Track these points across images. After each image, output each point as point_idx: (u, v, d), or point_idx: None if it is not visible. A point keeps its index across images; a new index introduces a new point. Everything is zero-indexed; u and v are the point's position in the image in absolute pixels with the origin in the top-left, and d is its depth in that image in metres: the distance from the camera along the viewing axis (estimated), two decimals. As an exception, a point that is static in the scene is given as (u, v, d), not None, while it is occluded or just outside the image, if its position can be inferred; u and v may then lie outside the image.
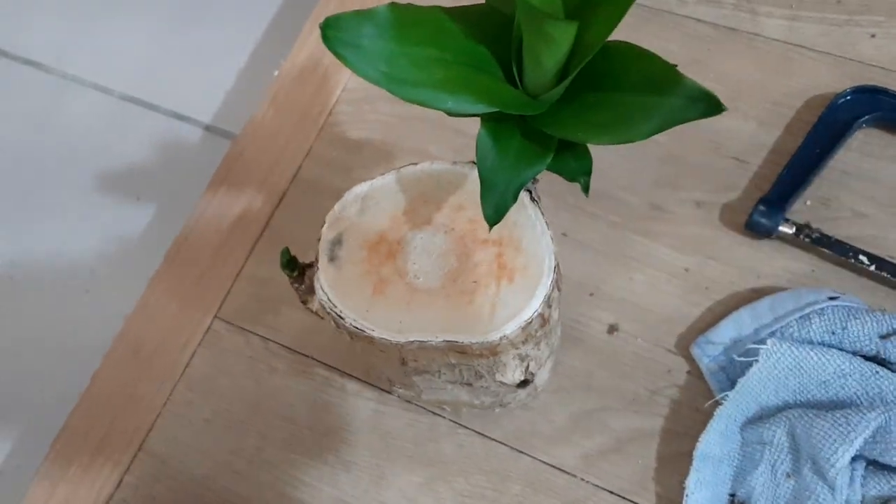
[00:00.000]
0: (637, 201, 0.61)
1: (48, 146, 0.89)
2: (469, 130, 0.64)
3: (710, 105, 0.33)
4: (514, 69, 0.38)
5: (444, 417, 0.57)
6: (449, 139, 0.65)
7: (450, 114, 0.37)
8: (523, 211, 0.44)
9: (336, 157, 0.67)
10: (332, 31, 0.33)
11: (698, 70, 0.63)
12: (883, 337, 0.51)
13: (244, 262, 0.65)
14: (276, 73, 0.71)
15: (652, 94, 0.35)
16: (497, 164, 0.38)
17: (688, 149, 0.61)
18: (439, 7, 0.37)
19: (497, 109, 0.37)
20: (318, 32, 0.71)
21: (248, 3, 0.91)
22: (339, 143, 0.67)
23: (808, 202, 0.58)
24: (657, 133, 0.35)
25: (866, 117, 0.58)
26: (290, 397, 0.60)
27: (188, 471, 0.59)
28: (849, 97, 0.59)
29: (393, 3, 0.34)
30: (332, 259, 0.44)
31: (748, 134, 0.61)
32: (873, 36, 0.63)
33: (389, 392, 0.58)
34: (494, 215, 0.38)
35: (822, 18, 0.64)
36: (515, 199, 0.38)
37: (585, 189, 0.40)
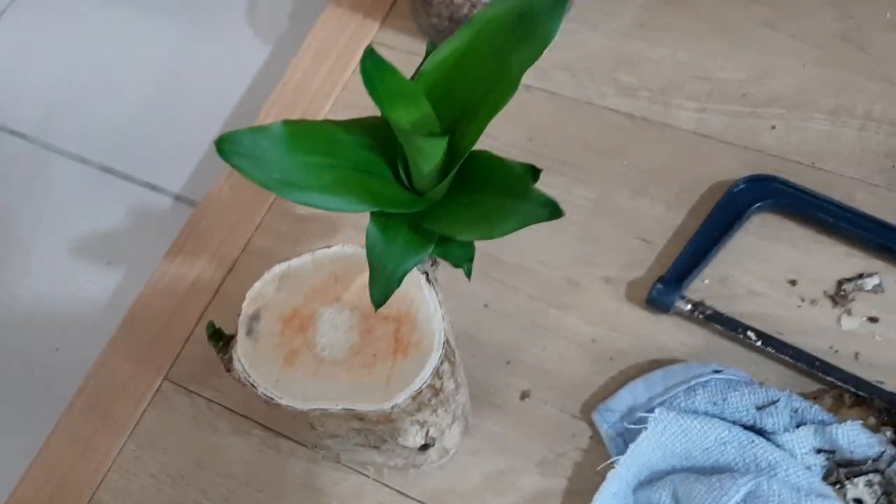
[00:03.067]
0: (553, 276, 0.66)
1: (26, 211, 0.95)
2: (405, 208, 0.70)
3: (553, 211, 0.38)
4: (402, 172, 0.44)
5: (368, 477, 0.62)
6: (388, 215, 0.71)
7: (334, 212, 0.42)
8: (420, 292, 0.49)
9: (285, 230, 0.73)
10: (228, 145, 0.39)
11: (615, 156, 0.69)
12: (759, 408, 0.56)
13: (194, 326, 0.70)
14: (233, 151, 0.77)
15: (509, 199, 0.40)
16: (384, 254, 0.43)
17: (601, 228, 0.67)
18: (330, 121, 0.42)
19: (379, 208, 0.42)
20: (272, 116, 0.78)
21: (216, 84, 0.97)
22: (287, 216, 0.73)
23: (707, 280, 0.63)
24: (512, 232, 0.40)
25: (760, 203, 0.64)
26: (229, 455, 0.64)
27: (132, 522, 0.63)
28: (743, 185, 0.64)
29: (286, 120, 0.40)
30: (249, 332, 0.50)
31: (656, 216, 0.66)
32: (774, 127, 0.68)
33: (316, 452, 0.62)
34: (380, 298, 0.43)
35: (729, 111, 0.70)
36: (399, 284, 0.43)
37: (468, 274, 0.46)
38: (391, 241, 0.44)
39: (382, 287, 0.43)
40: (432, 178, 0.43)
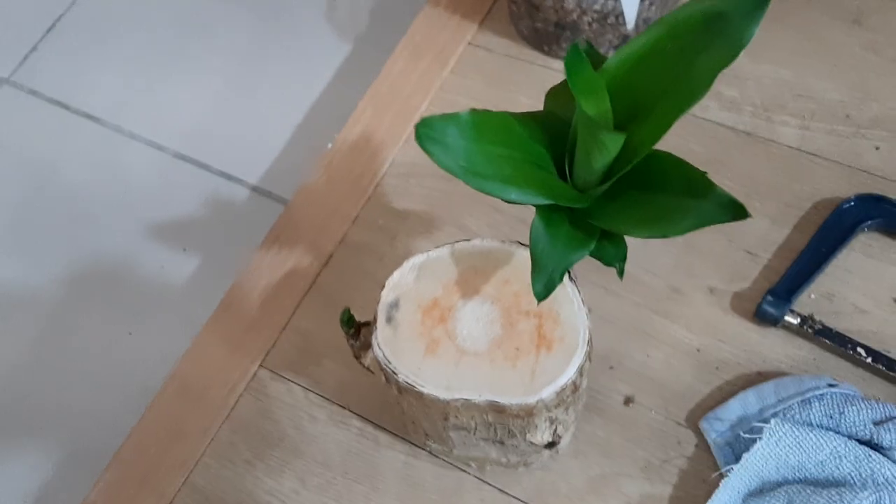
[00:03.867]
0: (657, 284, 0.66)
1: (102, 195, 0.95)
2: (504, 208, 0.70)
3: (737, 212, 0.39)
4: (567, 166, 0.45)
5: (469, 474, 0.62)
6: (486, 214, 0.71)
7: (510, 202, 0.42)
8: (562, 288, 0.49)
9: (382, 225, 0.73)
10: (424, 130, 0.39)
11: (718, 169, 0.70)
12: (877, 423, 0.56)
13: (290, 315, 0.70)
14: (329, 144, 0.77)
15: (688, 198, 0.41)
16: (548, 248, 0.43)
17: (705, 240, 0.67)
18: (508, 112, 0.43)
19: (551, 202, 0.43)
20: (368, 113, 0.78)
21: (295, 82, 0.98)
22: (385, 211, 0.73)
23: (813, 296, 0.64)
24: (690, 231, 0.40)
25: (869, 222, 0.64)
26: (326, 445, 0.64)
27: (228, 507, 0.63)
28: (853, 203, 0.65)
29: (473, 109, 0.41)
30: (389, 320, 0.50)
31: (760, 230, 0.67)
32: (878, 148, 0.69)
33: (422, 447, 0.63)
34: (544, 292, 0.43)
35: (832, 130, 0.70)
36: (562, 278, 0.43)
37: (620, 273, 0.46)
38: (555, 237, 0.44)
39: (545, 281, 0.43)
40: (599, 174, 0.43)
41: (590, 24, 0.71)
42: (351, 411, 0.66)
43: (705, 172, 0.43)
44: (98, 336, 0.86)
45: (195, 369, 0.69)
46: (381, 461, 0.64)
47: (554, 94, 0.46)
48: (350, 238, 0.73)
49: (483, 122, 0.41)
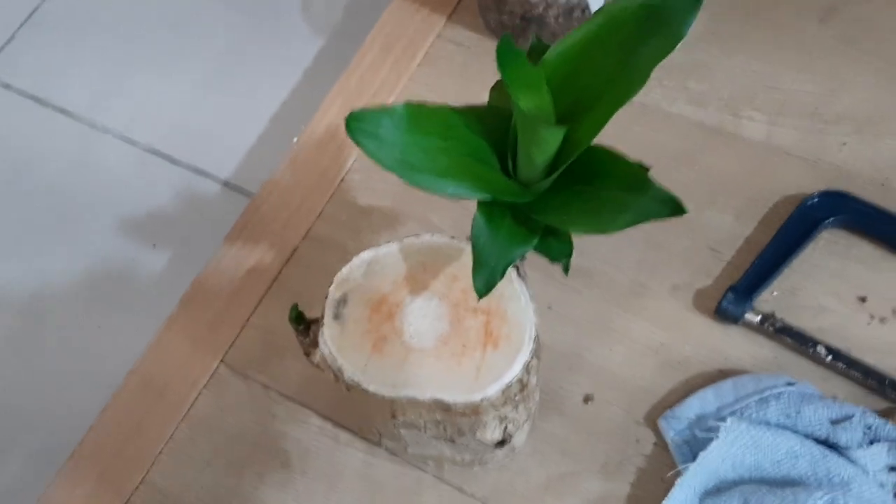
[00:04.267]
0: (620, 281, 0.66)
1: (73, 190, 0.95)
2: (468, 204, 0.69)
3: (675, 208, 0.38)
4: (509, 161, 0.44)
5: (427, 473, 0.61)
6: (450, 210, 0.70)
7: (449, 196, 0.42)
8: (510, 285, 0.49)
9: (346, 220, 0.72)
10: (355, 123, 0.39)
11: (683, 164, 0.69)
12: (834, 422, 0.55)
13: (252, 311, 0.69)
14: (295, 139, 0.77)
15: (626, 193, 0.40)
16: (489, 243, 0.43)
17: (669, 235, 0.66)
18: (447, 105, 0.42)
19: (491, 196, 0.42)
20: (337, 106, 0.77)
21: (269, 76, 0.97)
22: (349, 206, 0.73)
23: (776, 293, 0.63)
24: (628, 227, 0.40)
25: (832, 219, 0.64)
26: (286, 443, 0.64)
27: (186, 505, 0.63)
28: (817, 199, 0.64)
29: (408, 101, 0.40)
30: (336, 316, 0.49)
31: (725, 226, 0.66)
32: (844, 144, 0.68)
33: (378, 444, 0.62)
34: (484, 288, 0.43)
35: (799, 126, 0.70)
36: (503, 275, 0.43)
37: (566, 269, 0.46)
38: (496, 232, 0.43)
39: (486, 277, 0.43)
40: (541, 169, 0.43)
41: (556, 17, 0.71)
42: (311, 409, 0.65)
43: (648, 168, 0.42)
44: (66, 330, 0.85)
45: (156, 365, 0.68)
46: (341, 460, 0.63)
47: (498, 88, 0.45)
48: (315, 233, 0.72)
49: (419, 115, 0.40)
